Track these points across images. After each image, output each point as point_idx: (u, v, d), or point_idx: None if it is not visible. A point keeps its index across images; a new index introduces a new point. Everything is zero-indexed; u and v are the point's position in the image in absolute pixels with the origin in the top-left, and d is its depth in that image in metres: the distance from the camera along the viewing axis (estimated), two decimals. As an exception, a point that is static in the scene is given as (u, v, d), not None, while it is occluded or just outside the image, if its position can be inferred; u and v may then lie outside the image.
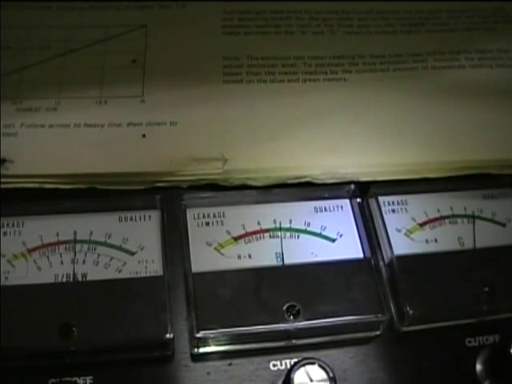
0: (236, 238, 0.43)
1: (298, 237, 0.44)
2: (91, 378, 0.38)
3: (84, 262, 0.41)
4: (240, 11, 0.55)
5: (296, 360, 0.38)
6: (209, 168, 0.46)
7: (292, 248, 0.43)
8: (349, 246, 0.44)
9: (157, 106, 0.49)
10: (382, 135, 0.48)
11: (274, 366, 0.40)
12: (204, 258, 0.42)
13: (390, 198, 0.46)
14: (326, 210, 0.45)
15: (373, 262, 0.43)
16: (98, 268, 0.41)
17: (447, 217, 0.45)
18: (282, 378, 0.38)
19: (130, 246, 0.42)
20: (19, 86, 0.49)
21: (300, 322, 0.40)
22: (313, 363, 0.37)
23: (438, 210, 0.46)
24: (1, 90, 0.48)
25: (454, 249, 0.44)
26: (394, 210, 0.45)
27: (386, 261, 0.44)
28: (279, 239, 0.43)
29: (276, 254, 0.43)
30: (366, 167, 0.47)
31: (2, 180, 0.44)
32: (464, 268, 0.44)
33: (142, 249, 0.42)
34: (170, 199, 0.44)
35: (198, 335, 0.39)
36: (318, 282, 0.42)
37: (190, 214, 0.44)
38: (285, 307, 0.41)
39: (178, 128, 0.48)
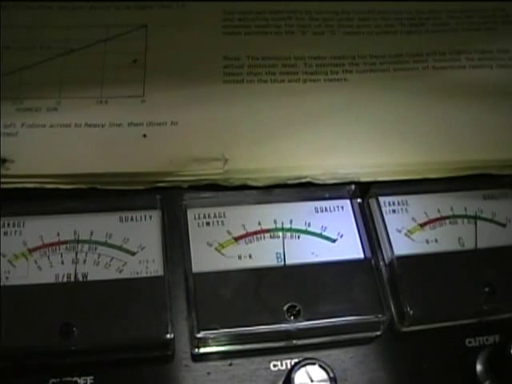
0: (236, 238, 0.43)
1: (298, 237, 0.44)
2: (91, 377, 0.38)
3: (85, 261, 0.41)
4: (240, 11, 0.55)
5: (296, 360, 0.38)
6: (209, 168, 0.46)
7: (292, 248, 0.43)
8: (349, 247, 0.44)
9: (157, 106, 0.49)
10: (383, 135, 0.49)
11: (275, 366, 0.40)
12: (204, 258, 0.42)
13: (391, 199, 0.46)
14: (326, 210, 0.45)
15: (373, 262, 0.43)
16: (98, 268, 0.41)
17: (447, 217, 0.45)
18: (283, 378, 0.38)
19: (130, 246, 0.42)
20: (20, 86, 0.49)
21: (300, 322, 0.40)
22: (313, 363, 0.37)
23: (439, 211, 0.46)
24: (1, 89, 0.48)
25: (455, 249, 0.44)
26: (394, 211, 0.45)
27: (387, 261, 0.44)
28: (280, 239, 0.43)
29: (276, 254, 0.43)
30: (366, 167, 0.47)
31: (3, 180, 0.44)
32: (464, 268, 0.44)
33: (142, 249, 0.42)
34: (170, 199, 0.44)
35: (199, 335, 0.39)
36: (319, 282, 0.42)
37: (191, 214, 0.44)
38: (285, 307, 0.41)
39: (178, 128, 0.48)
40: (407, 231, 0.45)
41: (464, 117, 0.50)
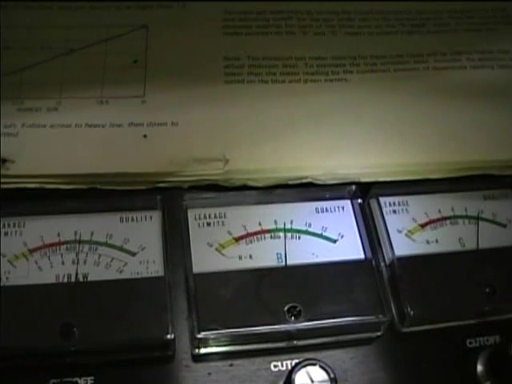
0: (237, 239, 0.43)
1: (299, 237, 0.44)
2: (92, 378, 0.38)
3: (85, 262, 0.41)
4: (241, 11, 0.55)
5: (297, 361, 0.38)
6: (210, 168, 0.46)
7: (293, 249, 0.43)
8: (350, 247, 0.44)
9: (158, 107, 0.49)
10: (383, 136, 0.48)
11: (275, 366, 0.40)
12: (205, 259, 0.42)
13: (391, 199, 0.46)
14: (327, 210, 0.45)
15: (374, 262, 0.43)
16: (99, 268, 0.41)
17: (448, 218, 0.45)
18: (283, 379, 0.38)
19: (131, 247, 0.42)
20: (20, 86, 0.49)
21: (301, 322, 0.40)
22: (314, 364, 0.37)
23: (439, 211, 0.46)
24: (1, 89, 0.48)
25: (455, 250, 0.44)
26: (394, 211, 0.45)
27: (387, 261, 0.44)
28: (280, 240, 0.43)
29: (277, 254, 0.43)
30: (367, 168, 0.47)
31: (3, 180, 0.44)
32: (465, 269, 0.44)
33: (143, 249, 0.42)
34: (170, 200, 0.44)
35: (199, 336, 0.39)
36: (319, 282, 0.42)
37: (191, 214, 0.44)
38: (286, 308, 0.41)
39: (179, 128, 0.48)
40: (408, 232, 0.45)
41: (465, 117, 0.50)
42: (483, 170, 0.48)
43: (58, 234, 0.42)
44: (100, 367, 0.39)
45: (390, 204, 0.45)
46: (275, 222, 0.44)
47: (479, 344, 0.42)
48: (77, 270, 0.41)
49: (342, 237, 0.44)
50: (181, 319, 0.41)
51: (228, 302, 0.40)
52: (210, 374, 0.40)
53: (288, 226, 0.44)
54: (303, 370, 0.37)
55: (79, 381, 0.38)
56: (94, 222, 0.42)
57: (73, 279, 0.40)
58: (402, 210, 0.45)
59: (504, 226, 0.46)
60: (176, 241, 0.43)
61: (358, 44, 0.54)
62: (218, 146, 0.47)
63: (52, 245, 0.41)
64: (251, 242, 0.43)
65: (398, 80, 0.52)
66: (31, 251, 0.41)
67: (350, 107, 0.50)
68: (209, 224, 0.44)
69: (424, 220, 0.45)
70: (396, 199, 0.46)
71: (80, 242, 0.42)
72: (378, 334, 0.42)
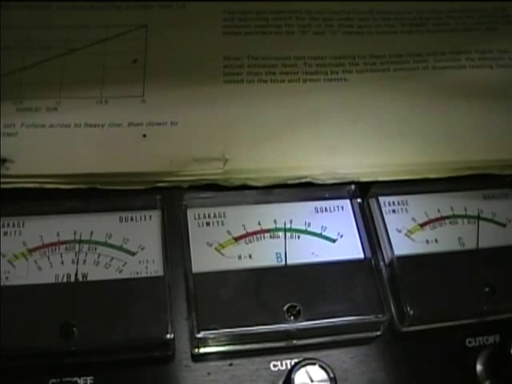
0: (236, 239, 0.43)
1: (298, 237, 0.44)
2: (92, 378, 0.38)
3: (84, 262, 0.41)
4: (240, 11, 0.55)
5: (296, 360, 0.38)
6: (209, 168, 0.46)
7: (292, 248, 0.43)
8: (349, 247, 0.44)
9: (157, 106, 0.49)
10: (383, 135, 0.48)
11: (275, 366, 0.40)
12: (204, 259, 0.42)
13: (391, 199, 0.46)
14: (326, 210, 0.45)
15: (373, 262, 0.43)
16: (98, 268, 0.41)
17: (448, 217, 0.45)
18: (283, 379, 0.38)
19: (130, 246, 0.42)
20: (20, 85, 0.49)
21: (300, 322, 0.40)
22: (313, 363, 0.37)
23: (439, 211, 0.46)
24: (1, 89, 0.48)
25: (455, 249, 0.44)
26: (394, 211, 0.45)
27: (387, 261, 0.44)
28: (280, 239, 0.43)
29: (276, 254, 0.43)
30: (366, 167, 0.47)
31: (3, 180, 0.44)
32: (464, 268, 0.44)
33: (142, 249, 0.42)
34: (170, 199, 0.44)
35: (199, 335, 0.39)
36: (319, 282, 0.42)
37: (191, 214, 0.44)
38: (285, 307, 0.41)
39: (178, 128, 0.48)
40: (407, 231, 0.45)
41: (464, 117, 0.50)
42: (483, 169, 0.48)
43: (58, 234, 0.42)
44: (99, 367, 0.39)
45: (389, 203, 0.45)
46: (275, 222, 0.44)
47: (479, 343, 0.42)
48: (76, 270, 0.41)
49: (342, 236, 0.44)
50: (180, 319, 0.41)
51: (227, 301, 0.40)
52: (209, 373, 0.40)
53: (287, 226, 0.44)
54: (303, 370, 0.37)
55: (79, 380, 0.38)
56: (93, 222, 0.42)
57: (72, 279, 0.40)
58: (402, 209, 0.45)
59: (504, 225, 0.46)
60: (175, 240, 0.43)
61: (357, 44, 0.54)
62: (218, 146, 0.47)
63: (51, 245, 0.41)
64: (251, 242, 0.43)
65: (397, 80, 0.52)
66: (31, 251, 0.41)
67: (349, 107, 0.50)
68: (208, 224, 0.44)
69: (423, 219, 0.45)
70: (395, 199, 0.46)
71: (79, 241, 0.42)
72: (378, 333, 0.42)
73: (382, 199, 0.45)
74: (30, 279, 0.40)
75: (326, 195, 0.46)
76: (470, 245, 0.45)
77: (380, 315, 0.41)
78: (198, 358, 0.40)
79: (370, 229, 0.44)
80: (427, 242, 0.44)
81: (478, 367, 0.41)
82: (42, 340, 0.38)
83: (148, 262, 0.41)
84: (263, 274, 0.42)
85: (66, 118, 0.48)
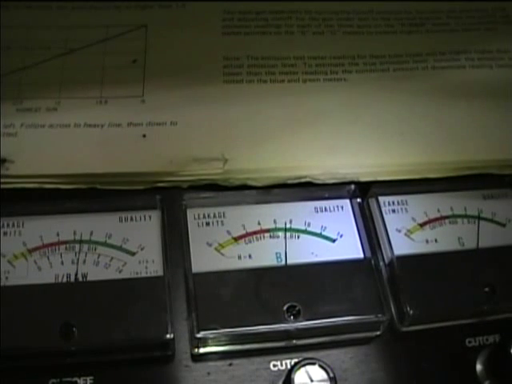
0: (236, 238, 0.43)
1: (298, 237, 0.44)
2: (91, 378, 0.38)
3: (84, 262, 0.41)
4: (240, 11, 0.55)
5: (296, 360, 0.38)
6: (209, 168, 0.46)
7: (292, 248, 0.43)
8: (349, 246, 0.44)
9: (157, 106, 0.49)
10: (383, 135, 0.48)
11: (275, 366, 0.40)
12: (204, 258, 0.42)
13: (391, 198, 0.46)
14: (326, 210, 0.45)
15: (373, 262, 0.43)
16: (98, 268, 0.41)
17: (447, 217, 0.45)
18: (283, 378, 0.38)
19: (130, 246, 0.42)
20: (19, 86, 0.49)
21: (300, 322, 0.40)
22: (313, 363, 0.37)
23: (438, 210, 0.46)
24: (1, 89, 0.48)
25: (454, 249, 0.44)
26: (394, 210, 0.45)
27: (387, 261, 0.44)
28: (279, 239, 0.43)
29: (276, 254, 0.43)
30: (366, 167, 0.47)
31: (3, 180, 0.44)
32: (464, 268, 0.44)
33: (142, 249, 0.42)
34: (170, 199, 0.44)
35: (199, 335, 0.39)
36: (319, 282, 0.42)
37: (191, 214, 0.44)
38: (285, 307, 0.41)
39: (178, 128, 0.48)
40: (407, 231, 0.45)
41: (464, 116, 0.50)
42: (482, 169, 0.48)
43: (58, 234, 0.42)
44: (99, 367, 0.39)
45: (389, 203, 0.45)
46: (274, 222, 0.44)
47: (478, 343, 0.42)
48: (76, 270, 0.41)
49: (342, 236, 0.44)
50: (180, 319, 0.41)
51: (227, 301, 0.40)
52: (209, 373, 0.40)
53: (287, 226, 0.44)
54: (302, 370, 0.37)
55: (79, 381, 0.38)
56: (93, 222, 0.42)
57: (72, 279, 0.40)
58: (402, 209, 0.45)
59: (503, 225, 0.46)
60: (175, 240, 0.43)
61: (357, 43, 0.54)
62: (218, 146, 0.47)
63: (51, 245, 0.41)
64: (250, 242, 0.43)
65: (397, 79, 0.52)
66: (30, 251, 0.41)
67: (349, 107, 0.50)
68: (208, 224, 0.44)
69: (423, 219, 0.45)
70: (395, 198, 0.46)
71: (79, 241, 0.42)
72: (378, 333, 0.42)
73: (381, 199, 0.45)
74: (29, 279, 0.40)
75: (326, 195, 0.46)
76: (469, 245, 0.45)
77: (380, 315, 0.41)
78: (198, 358, 0.40)
79: (369, 229, 0.44)
80: (427, 241, 0.44)
81: (478, 367, 0.41)
82: (42, 340, 0.38)
83: (148, 262, 0.41)
84: (263, 273, 0.42)
85: (65, 118, 0.48)
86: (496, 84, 0.52)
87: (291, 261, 0.43)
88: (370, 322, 0.41)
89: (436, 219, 0.45)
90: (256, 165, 0.46)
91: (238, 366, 0.40)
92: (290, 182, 0.46)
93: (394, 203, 0.46)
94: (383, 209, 0.45)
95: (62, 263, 0.41)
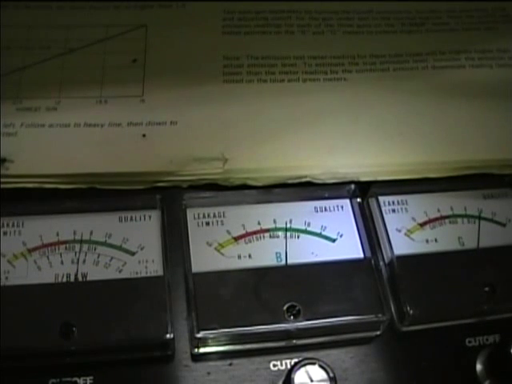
0: (236, 238, 0.43)
1: (298, 237, 0.44)
2: (91, 378, 0.38)
3: (84, 261, 0.41)
4: (240, 11, 0.55)
5: (296, 360, 0.38)
6: (209, 168, 0.46)
7: (292, 248, 0.43)
8: (349, 246, 0.44)
9: (157, 106, 0.49)
10: (383, 135, 0.48)
11: (275, 366, 0.40)
12: (204, 258, 0.42)
13: (391, 198, 0.46)
14: (326, 209, 0.45)
15: (373, 261, 0.43)
16: (98, 268, 0.41)
17: (447, 217, 0.45)
18: (283, 378, 0.38)
19: (130, 246, 0.42)
20: (19, 85, 0.49)
21: (300, 322, 0.40)
22: (313, 363, 0.37)
23: (438, 210, 0.46)
24: (1, 89, 0.48)
25: (454, 249, 0.44)
26: (394, 210, 0.45)
27: (387, 261, 0.44)
28: (279, 239, 0.43)
29: (276, 254, 0.43)
30: (366, 167, 0.47)
31: (2, 180, 0.44)
32: (464, 268, 0.44)
33: (142, 249, 0.42)
34: (170, 199, 0.44)
35: (199, 335, 0.39)
36: (319, 282, 0.42)
37: (190, 213, 0.44)
38: (285, 307, 0.41)
39: (178, 128, 0.48)
40: (407, 231, 0.45)
41: (464, 116, 0.50)
42: (482, 169, 0.48)
43: (57, 234, 0.42)
44: (99, 367, 0.39)
45: (389, 203, 0.45)
46: (274, 222, 0.44)
47: (479, 343, 0.42)
48: (76, 270, 0.41)
49: (342, 236, 0.44)
50: (180, 319, 0.41)
51: (227, 301, 0.40)
52: (209, 373, 0.40)
53: (287, 226, 0.44)
54: (302, 370, 0.37)
55: (78, 380, 0.38)
56: (93, 222, 0.42)
57: (72, 279, 0.40)
58: (402, 209, 0.45)
59: (503, 225, 0.46)
60: (175, 240, 0.43)
61: (357, 43, 0.54)
62: (218, 146, 0.47)
63: (51, 244, 0.41)
64: (250, 242, 0.43)
65: (397, 79, 0.52)
66: (30, 251, 0.41)
67: (349, 106, 0.50)
68: (208, 223, 0.44)
69: (423, 219, 0.45)
70: (395, 198, 0.46)
71: (79, 241, 0.42)
72: (378, 333, 0.42)
73: (381, 199, 0.45)
74: (29, 279, 0.40)
75: (326, 195, 0.46)
76: (469, 244, 0.45)
77: (380, 315, 0.41)
78: (198, 358, 0.40)
79: (369, 228, 0.44)
80: (427, 241, 0.44)
81: (478, 367, 0.41)
82: (42, 340, 0.38)
83: (148, 261, 0.41)
84: (263, 273, 0.42)
85: (65, 117, 0.48)
86: (496, 84, 0.52)
87: (291, 261, 0.43)
88: (370, 321, 0.41)
89: (436, 219, 0.45)
90: (256, 164, 0.46)
91: (238, 365, 0.40)
92: (290, 181, 0.46)
93: (394, 203, 0.46)
94: (383, 208, 0.45)
95: (62, 263, 0.41)
